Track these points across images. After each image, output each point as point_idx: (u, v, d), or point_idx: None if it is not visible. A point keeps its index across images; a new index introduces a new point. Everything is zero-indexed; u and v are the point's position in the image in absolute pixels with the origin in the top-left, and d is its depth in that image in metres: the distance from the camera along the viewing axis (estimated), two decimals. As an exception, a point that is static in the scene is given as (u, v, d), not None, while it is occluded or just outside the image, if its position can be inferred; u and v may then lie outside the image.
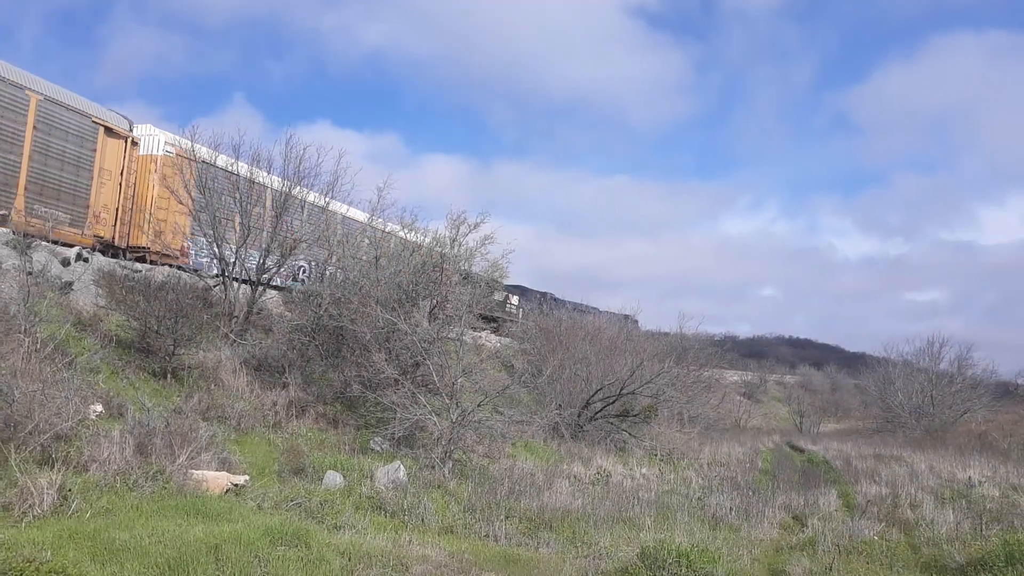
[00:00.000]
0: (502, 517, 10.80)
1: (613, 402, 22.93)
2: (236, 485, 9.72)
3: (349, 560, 7.46)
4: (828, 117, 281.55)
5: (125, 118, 16.80)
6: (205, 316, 14.83)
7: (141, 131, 17.04)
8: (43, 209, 14.52)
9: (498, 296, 29.90)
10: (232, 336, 15.71)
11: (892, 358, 47.93)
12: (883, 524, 12.03)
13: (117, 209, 16.46)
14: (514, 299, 35.41)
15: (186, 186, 16.40)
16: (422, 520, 10.30)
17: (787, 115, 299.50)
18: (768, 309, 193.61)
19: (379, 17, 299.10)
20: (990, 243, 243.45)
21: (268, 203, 17.49)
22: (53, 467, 7.84)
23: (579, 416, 22.49)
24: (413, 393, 14.21)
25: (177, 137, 17.03)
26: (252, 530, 7.39)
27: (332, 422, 14.79)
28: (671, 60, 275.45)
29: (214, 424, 11.88)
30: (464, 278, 17.99)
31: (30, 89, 14.39)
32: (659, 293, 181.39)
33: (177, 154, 16.95)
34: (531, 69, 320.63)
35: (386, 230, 18.22)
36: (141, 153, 16.95)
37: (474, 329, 22.05)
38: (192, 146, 16.41)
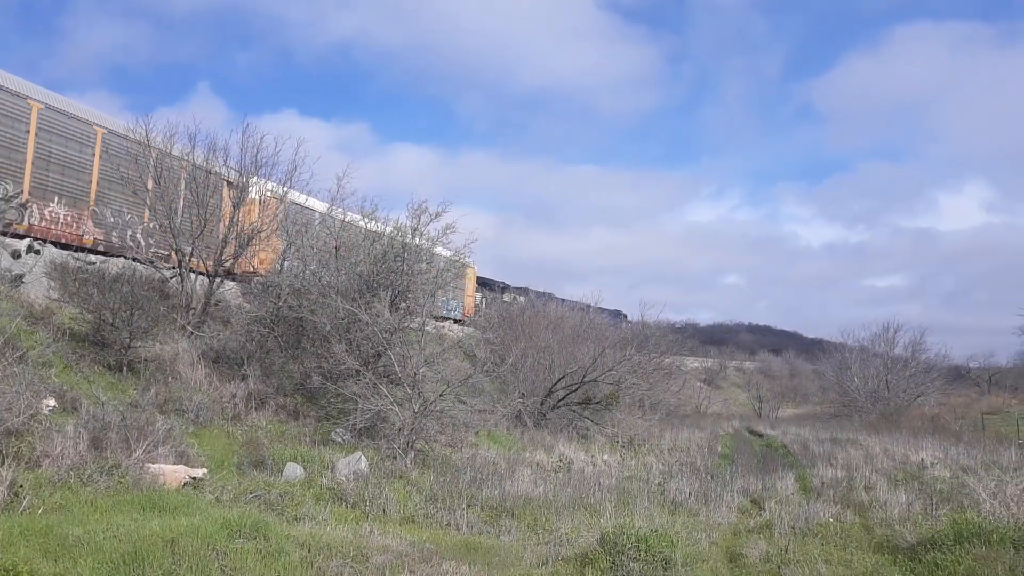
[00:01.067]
0: (464, 506, 10.83)
1: (576, 390, 23.09)
2: (194, 478, 9.61)
3: (309, 551, 7.44)
4: (794, 107, 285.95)
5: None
6: (161, 308, 14.58)
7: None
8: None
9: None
10: (189, 328, 15.49)
11: (849, 344, 48.95)
12: (838, 506, 12.30)
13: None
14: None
15: (141, 176, 16.10)
16: (383, 510, 10.30)
17: (755, 105, 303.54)
18: (732, 296, 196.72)
19: (349, 7, 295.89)
20: (948, 229, 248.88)
21: (225, 193, 17.24)
22: (3, 463, 7.68)
23: (542, 404, 22.62)
24: (375, 384, 14.15)
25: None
26: (210, 523, 7.32)
27: (292, 414, 14.68)
28: (642, 52, 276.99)
29: (171, 417, 11.72)
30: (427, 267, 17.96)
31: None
32: (626, 282, 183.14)
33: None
34: (502, 60, 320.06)
35: (346, 219, 18.05)
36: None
37: (436, 319, 22.03)
38: (147, 135, 16.08)
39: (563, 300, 36.71)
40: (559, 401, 22.99)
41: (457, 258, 19.81)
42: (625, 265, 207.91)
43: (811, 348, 75.45)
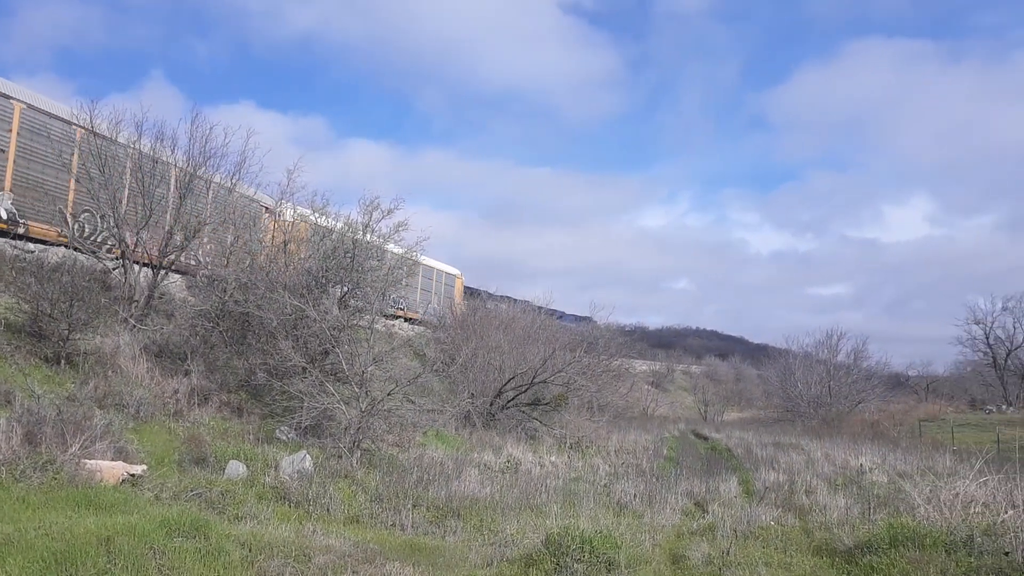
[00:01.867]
0: (410, 506, 10.77)
1: (525, 391, 23.14)
2: (133, 475, 9.39)
3: (250, 551, 7.31)
4: (748, 116, 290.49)
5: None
6: (103, 300, 14.20)
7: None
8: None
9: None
10: (132, 321, 15.12)
11: (793, 350, 50.00)
12: (780, 510, 12.52)
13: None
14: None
15: (84, 164, 15.66)
16: (327, 510, 10.19)
17: (710, 113, 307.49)
18: (681, 301, 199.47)
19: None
20: (892, 241, 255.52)
21: (172, 184, 16.85)
22: (-70, 458, 7.41)
23: (491, 405, 22.61)
24: (321, 382, 13.98)
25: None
26: (147, 521, 7.14)
27: (236, 411, 14.43)
28: (604, 57, 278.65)
29: (111, 412, 11.42)
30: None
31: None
32: (578, 283, 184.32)
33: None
34: (464, 59, 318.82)
35: (296, 213, 17.79)
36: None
37: (386, 317, 21.88)
38: (91, 121, 15.63)
39: (525, 302, 37.14)
40: (508, 402, 23.01)
41: (410, 256, 19.67)
42: (577, 267, 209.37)
43: (756, 353, 76.91)
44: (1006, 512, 9.33)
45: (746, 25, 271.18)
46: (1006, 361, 47.67)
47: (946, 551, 8.18)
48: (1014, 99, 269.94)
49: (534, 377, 22.91)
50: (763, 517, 11.68)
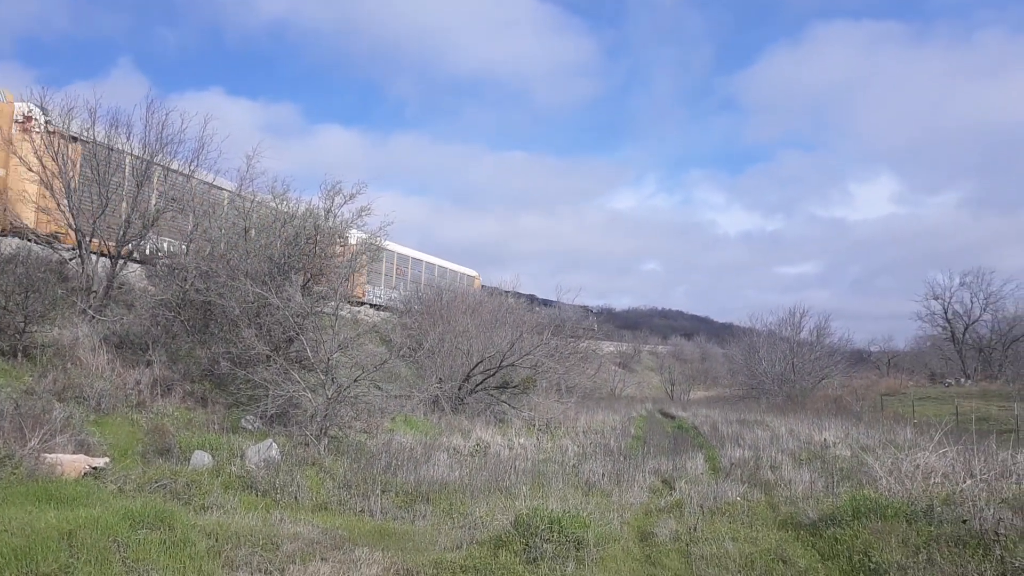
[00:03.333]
0: (378, 492, 10.74)
1: (493, 374, 23.15)
2: (95, 468, 9.23)
3: (216, 541, 7.23)
4: (718, 99, 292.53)
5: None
6: (60, 291, 13.93)
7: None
8: None
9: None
10: (90, 312, 14.83)
11: (758, 328, 50.56)
12: (746, 485, 12.66)
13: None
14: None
15: (36, 152, 15.26)
16: (295, 498, 10.12)
17: (681, 97, 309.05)
18: (650, 282, 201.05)
19: None
20: (858, 219, 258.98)
21: (128, 171, 16.50)
22: None
23: (460, 389, 22.60)
24: (286, 369, 13.84)
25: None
26: (110, 514, 7.02)
27: (201, 401, 14.24)
28: (577, 43, 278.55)
29: (71, 405, 11.24)
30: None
31: None
32: (550, 267, 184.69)
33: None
34: (437, 46, 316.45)
35: (256, 200, 17.51)
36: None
37: (351, 303, 21.73)
38: (42, 109, 15.25)
39: (495, 288, 37.62)
40: (477, 386, 23.02)
41: (373, 241, 19.48)
42: (550, 251, 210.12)
43: (721, 332, 77.75)
44: (964, 482, 9.55)
45: (717, 10, 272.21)
46: (964, 335, 48.68)
47: (907, 521, 8.34)
48: (978, 79, 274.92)
49: (502, 360, 22.93)
50: (729, 493, 11.81)
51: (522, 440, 18.92)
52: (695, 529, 9.47)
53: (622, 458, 16.46)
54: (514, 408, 23.56)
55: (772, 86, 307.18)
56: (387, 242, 18.83)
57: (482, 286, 40.78)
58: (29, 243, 15.02)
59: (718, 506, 11.06)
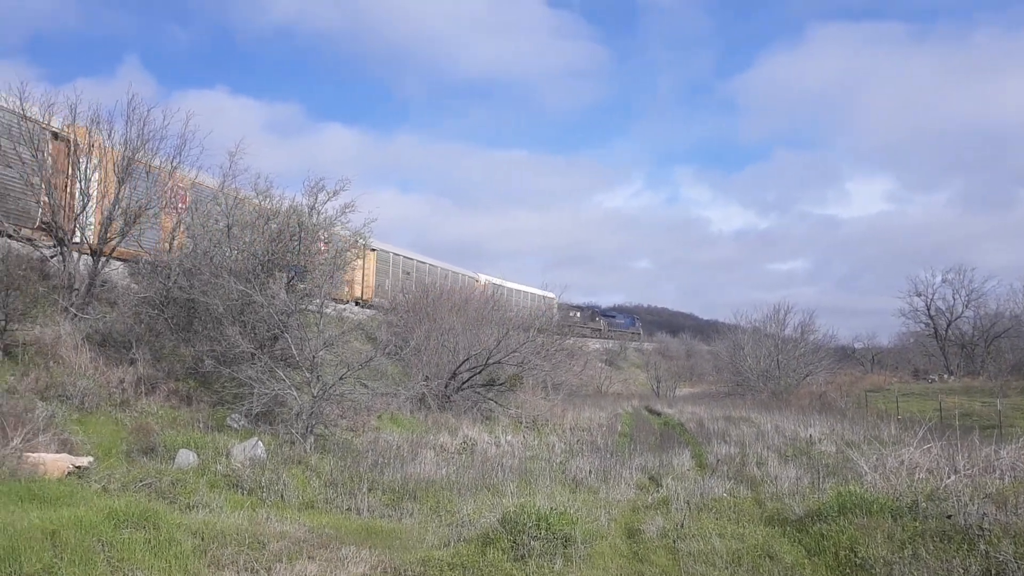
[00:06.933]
0: (365, 490, 10.72)
1: (480, 372, 23.13)
2: (79, 467, 9.16)
3: (202, 540, 7.18)
4: (718, 99, 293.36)
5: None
6: (41, 288, 13.80)
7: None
8: None
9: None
10: (72, 310, 14.68)
11: (742, 325, 50.73)
12: (732, 482, 12.70)
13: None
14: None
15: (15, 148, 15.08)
16: (281, 496, 10.08)
17: (681, 96, 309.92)
18: (642, 280, 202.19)
19: None
20: (850, 216, 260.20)
21: (109, 168, 16.33)
22: None
23: (446, 387, 22.55)
24: (271, 367, 13.77)
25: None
26: (94, 513, 6.96)
27: (185, 399, 14.13)
28: (584, 47, 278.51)
29: (53, 404, 11.14)
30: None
31: None
32: (544, 264, 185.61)
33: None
34: (444, 49, 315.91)
35: (239, 197, 17.38)
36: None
37: (335, 300, 21.65)
38: (21, 105, 15.04)
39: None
40: (463, 383, 22.98)
41: (359, 239, 19.37)
42: (544, 247, 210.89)
43: (706, 329, 78.02)
44: (948, 477, 9.62)
45: (721, 14, 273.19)
46: (947, 331, 49.02)
47: (892, 516, 8.39)
48: (975, 77, 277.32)
49: (488, 358, 22.91)
50: (716, 489, 11.84)
51: (509, 437, 18.91)
52: (682, 525, 9.48)
53: (609, 455, 16.48)
54: (501, 405, 23.55)
55: (770, 86, 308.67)
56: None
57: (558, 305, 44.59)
58: (9, 240, 14.83)
59: (705, 502, 11.08)
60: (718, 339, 54.95)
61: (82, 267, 15.78)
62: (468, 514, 9.95)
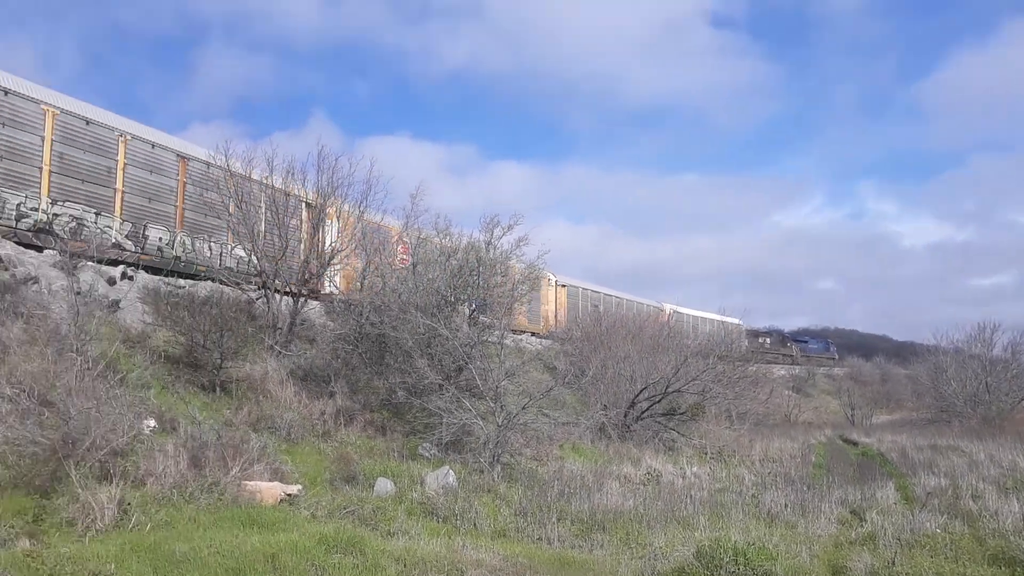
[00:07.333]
0: (554, 519, 10.69)
1: (659, 401, 22.67)
2: (289, 495, 9.75)
3: (405, 566, 7.43)
4: (902, 107, 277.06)
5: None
6: (249, 329, 14.97)
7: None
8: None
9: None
10: (277, 348, 15.82)
11: (943, 346, 46.78)
12: (945, 516, 11.68)
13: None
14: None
15: (224, 201, 16.61)
16: (474, 524, 10.25)
17: (863, 108, 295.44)
18: (826, 301, 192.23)
19: (461, 35, 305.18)
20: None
21: (304, 215, 17.60)
22: (112, 482, 7.94)
23: (625, 416, 22.28)
24: (458, 398, 14.18)
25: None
26: (307, 538, 7.40)
27: (380, 429, 14.82)
28: (755, 64, 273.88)
29: (264, 435, 11.94)
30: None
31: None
32: (721, 288, 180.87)
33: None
34: (611, 82, 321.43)
35: (421, 236, 18.23)
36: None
37: (513, 331, 22.05)
38: (227, 162, 16.54)
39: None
40: (643, 412, 22.61)
41: (532, 271, 19.73)
42: (720, 271, 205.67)
43: (901, 351, 72.69)
44: None
45: (898, 16, 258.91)
46: None
47: None
48: None
49: (667, 386, 22.43)
50: (927, 525, 10.91)
51: (695, 468, 18.36)
52: (893, 563, 8.80)
53: (805, 487, 15.61)
54: (683, 435, 22.95)
55: (959, 88, 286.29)
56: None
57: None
58: (221, 285, 16.25)
59: (916, 539, 10.25)
60: (916, 362, 50.88)
61: (284, 307, 17.00)
62: (660, 547, 9.73)
